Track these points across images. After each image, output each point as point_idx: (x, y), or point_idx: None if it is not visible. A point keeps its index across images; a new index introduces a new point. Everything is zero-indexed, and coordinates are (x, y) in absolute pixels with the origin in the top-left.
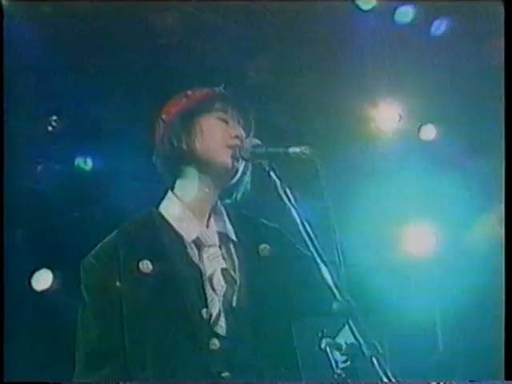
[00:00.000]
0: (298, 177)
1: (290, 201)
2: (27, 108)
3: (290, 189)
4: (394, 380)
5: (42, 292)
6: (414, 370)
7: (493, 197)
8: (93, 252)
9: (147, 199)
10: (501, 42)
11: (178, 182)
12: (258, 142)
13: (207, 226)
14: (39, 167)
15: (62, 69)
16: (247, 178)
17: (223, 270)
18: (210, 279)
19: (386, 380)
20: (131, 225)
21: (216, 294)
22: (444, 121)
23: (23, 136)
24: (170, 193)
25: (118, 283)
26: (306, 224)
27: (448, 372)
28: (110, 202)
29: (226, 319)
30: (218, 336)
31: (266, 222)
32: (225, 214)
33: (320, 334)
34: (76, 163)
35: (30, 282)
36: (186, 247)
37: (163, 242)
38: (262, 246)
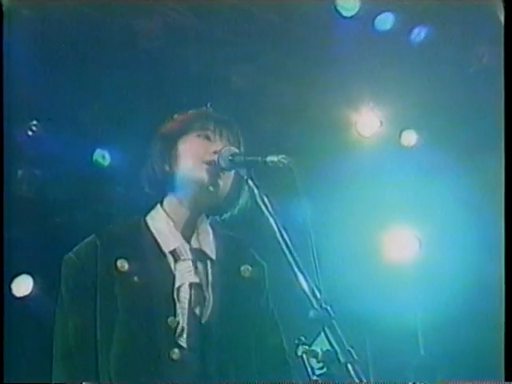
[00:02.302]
0: (276, 185)
1: (267, 209)
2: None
3: (267, 197)
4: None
5: (23, 298)
6: (397, 374)
7: (475, 202)
8: (74, 249)
9: (131, 208)
10: (483, 48)
11: (166, 199)
12: (236, 150)
13: (188, 241)
14: (20, 172)
15: (45, 73)
16: (242, 199)
17: (193, 285)
18: (178, 290)
19: None
20: (114, 227)
21: (182, 306)
22: (425, 127)
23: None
24: (158, 205)
25: (94, 280)
26: (283, 232)
27: (430, 376)
28: (92, 208)
29: (192, 332)
30: (179, 347)
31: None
32: (210, 232)
33: (296, 342)
34: (57, 168)
35: (10, 288)
36: (164, 257)
37: (143, 247)
38: (244, 267)
